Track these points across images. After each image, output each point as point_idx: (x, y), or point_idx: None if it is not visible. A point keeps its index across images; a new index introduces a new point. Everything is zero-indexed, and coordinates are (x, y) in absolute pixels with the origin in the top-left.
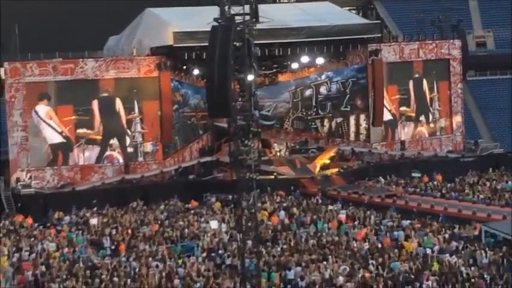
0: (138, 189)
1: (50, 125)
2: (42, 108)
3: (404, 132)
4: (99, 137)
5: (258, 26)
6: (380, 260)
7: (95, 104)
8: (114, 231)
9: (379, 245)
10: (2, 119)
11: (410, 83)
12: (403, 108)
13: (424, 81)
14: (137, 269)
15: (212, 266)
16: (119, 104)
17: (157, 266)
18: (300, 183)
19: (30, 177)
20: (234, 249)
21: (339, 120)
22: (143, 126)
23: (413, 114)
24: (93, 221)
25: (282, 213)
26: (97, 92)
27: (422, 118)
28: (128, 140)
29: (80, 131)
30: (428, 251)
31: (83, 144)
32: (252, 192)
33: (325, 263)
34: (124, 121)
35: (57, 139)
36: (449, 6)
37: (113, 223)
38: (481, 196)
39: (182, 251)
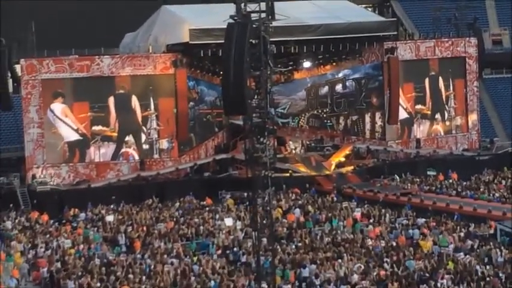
0: (154, 186)
1: (65, 123)
2: (58, 106)
3: (420, 130)
4: (114, 134)
5: (274, 24)
6: (395, 258)
7: (111, 101)
8: (129, 228)
9: (394, 243)
10: (18, 115)
11: (426, 80)
12: (418, 106)
13: (440, 79)
14: (152, 266)
15: (227, 264)
16: (134, 101)
17: (172, 263)
18: (315, 181)
19: (51, 176)
20: (249, 247)
21: (355, 118)
22: (159, 123)
23: (429, 112)
24: (109, 218)
25: (297, 210)
26: (113, 88)
27: (438, 116)
28: (143, 137)
29: (96, 128)
30: (444, 249)
31: (98, 141)
32: (267, 190)
33: (340, 261)
34: (140, 118)
35: (74, 136)
36: (465, 4)
37: (128, 220)
38: (497, 194)
39: (197, 249)
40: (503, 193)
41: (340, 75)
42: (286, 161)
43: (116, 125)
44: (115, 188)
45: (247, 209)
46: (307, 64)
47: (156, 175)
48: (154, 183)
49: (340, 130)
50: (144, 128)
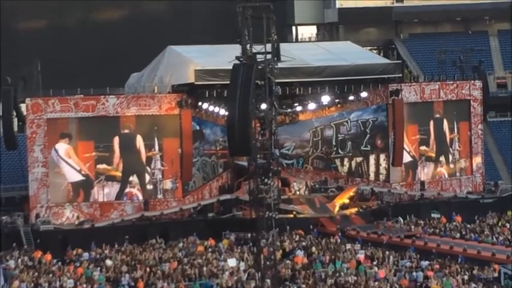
0: (157, 226)
1: (68, 164)
2: (62, 147)
3: (424, 172)
4: (118, 174)
5: (279, 65)
6: None
7: (116, 141)
8: (132, 269)
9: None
10: (22, 154)
11: (431, 123)
12: (423, 148)
13: (445, 122)
14: None
15: None
16: (139, 141)
17: None
18: (319, 222)
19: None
20: None
21: (359, 159)
22: (163, 164)
23: (433, 155)
24: (108, 262)
25: (300, 252)
26: (118, 128)
27: (442, 159)
28: (147, 177)
29: (100, 167)
30: None
31: (102, 181)
32: (271, 231)
33: None
34: (144, 158)
35: (77, 177)
36: (470, 47)
37: (131, 260)
38: (501, 238)
39: None
40: (507, 236)
41: (345, 116)
42: (290, 202)
43: (120, 165)
44: (119, 228)
45: (250, 249)
46: (312, 106)
47: (160, 215)
48: (158, 223)
49: (345, 172)
50: (148, 168)
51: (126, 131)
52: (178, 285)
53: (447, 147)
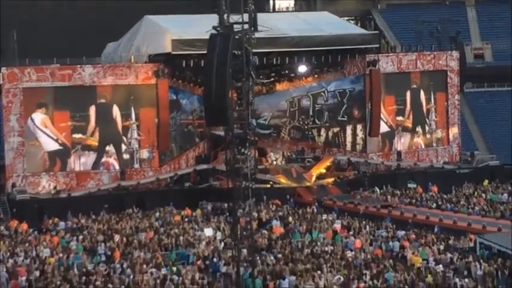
0: (134, 195)
1: (45, 133)
2: (38, 116)
3: (401, 142)
4: (95, 143)
5: (257, 35)
6: (374, 270)
7: (92, 110)
8: (108, 238)
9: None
10: None
11: (408, 93)
12: (399, 119)
13: (422, 92)
14: (131, 276)
15: (206, 274)
16: (116, 111)
17: (151, 274)
18: (296, 192)
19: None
20: (228, 258)
21: (336, 130)
22: (140, 133)
23: (410, 125)
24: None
25: (277, 222)
26: (94, 98)
27: (418, 129)
28: (124, 147)
29: (76, 136)
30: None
31: (79, 151)
32: (247, 201)
33: (319, 272)
34: (120, 128)
35: (54, 146)
36: (447, 17)
37: (107, 230)
38: (477, 208)
39: (177, 259)
40: (483, 206)
41: (322, 87)
42: (267, 172)
43: (96, 134)
44: (95, 197)
45: (227, 219)
46: (302, 68)
47: (137, 185)
48: (134, 193)
49: (322, 142)
50: (124, 138)
51: (102, 100)
52: (155, 255)
53: (424, 117)
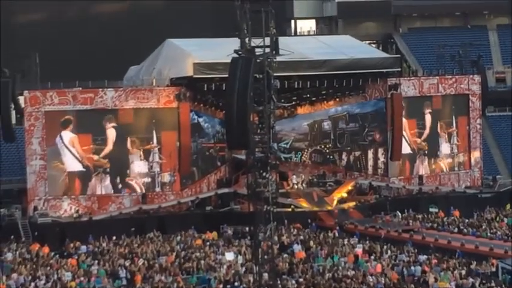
0: (155, 219)
1: (71, 152)
2: (67, 135)
3: (423, 166)
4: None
5: (278, 59)
6: None
7: (111, 133)
8: (129, 262)
9: (395, 281)
10: (20, 147)
11: (427, 117)
12: (419, 141)
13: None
14: None
15: None
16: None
17: None
18: (317, 216)
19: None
20: (249, 282)
21: (357, 153)
22: (161, 157)
23: (426, 148)
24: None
25: (298, 246)
26: (116, 121)
27: (439, 153)
28: (144, 170)
29: (97, 158)
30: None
31: (101, 173)
32: (268, 225)
33: None
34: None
35: (77, 167)
36: (469, 41)
37: (129, 253)
38: (498, 232)
39: (198, 283)
40: (505, 231)
41: (343, 110)
42: (288, 196)
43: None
44: (117, 220)
45: (248, 243)
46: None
47: (158, 208)
48: (155, 217)
49: (343, 166)
50: (146, 161)
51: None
52: (176, 279)
53: (446, 141)
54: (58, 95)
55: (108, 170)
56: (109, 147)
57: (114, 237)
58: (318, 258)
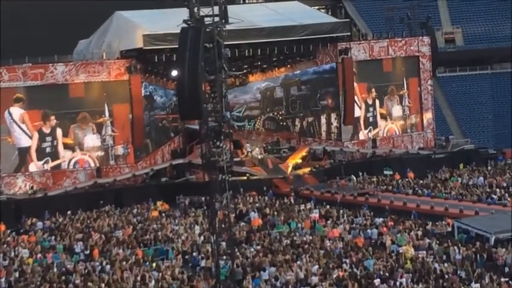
0: (111, 193)
1: (21, 128)
2: (17, 111)
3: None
4: (70, 141)
5: (228, 27)
6: (354, 258)
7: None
8: (87, 236)
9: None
10: None
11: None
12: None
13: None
14: (111, 274)
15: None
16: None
17: (131, 270)
18: (272, 184)
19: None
20: (207, 251)
21: (310, 119)
22: (114, 130)
23: (384, 112)
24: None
25: (254, 214)
26: (67, 96)
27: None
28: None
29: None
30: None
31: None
32: (224, 194)
33: (299, 262)
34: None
35: (28, 143)
36: (417, 3)
37: (86, 228)
38: (453, 192)
39: (156, 254)
40: (459, 191)
41: (295, 77)
42: (243, 164)
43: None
44: (72, 196)
45: (205, 213)
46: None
47: (113, 182)
48: (111, 190)
49: (296, 132)
50: (99, 134)
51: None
52: (134, 251)
53: (397, 104)
54: (8, 72)
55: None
56: None
57: (70, 212)
58: (279, 226)
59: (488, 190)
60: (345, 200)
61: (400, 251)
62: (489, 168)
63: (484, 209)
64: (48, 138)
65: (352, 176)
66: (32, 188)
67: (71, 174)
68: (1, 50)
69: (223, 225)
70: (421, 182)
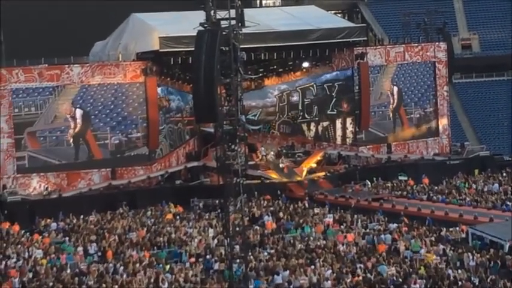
0: (125, 194)
1: None
2: None
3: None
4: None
5: (244, 31)
6: (367, 264)
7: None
8: (101, 238)
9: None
10: None
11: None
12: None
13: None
14: (124, 275)
15: (200, 272)
16: None
17: (144, 272)
18: (286, 187)
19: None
20: (221, 254)
21: (326, 124)
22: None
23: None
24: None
25: (268, 217)
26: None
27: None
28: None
29: None
30: (415, 254)
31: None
32: (238, 197)
33: (312, 267)
34: None
35: None
36: (434, 8)
37: (100, 229)
38: (468, 199)
39: (169, 257)
40: (474, 197)
41: (311, 81)
42: (257, 167)
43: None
44: (86, 197)
45: (218, 216)
46: (305, 64)
47: (128, 184)
48: (125, 192)
49: (312, 136)
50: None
51: None
52: (148, 253)
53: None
54: (24, 73)
55: None
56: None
57: (84, 214)
58: (291, 230)
59: (503, 197)
60: (359, 205)
61: (422, 257)
62: (504, 175)
63: (498, 215)
64: None
65: (367, 181)
66: (46, 189)
67: (86, 175)
68: (18, 50)
69: (237, 229)
70: (436, 188)
